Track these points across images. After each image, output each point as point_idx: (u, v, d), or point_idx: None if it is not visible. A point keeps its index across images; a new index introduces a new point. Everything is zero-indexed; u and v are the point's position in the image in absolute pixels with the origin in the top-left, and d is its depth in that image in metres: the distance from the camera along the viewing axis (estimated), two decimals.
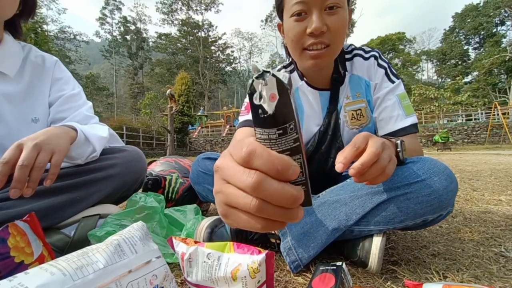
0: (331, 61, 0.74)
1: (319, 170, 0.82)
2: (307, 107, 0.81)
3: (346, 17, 0.66)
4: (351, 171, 0.44)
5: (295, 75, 0.82)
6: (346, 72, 0.78)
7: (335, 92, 0.78)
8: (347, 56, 0.79)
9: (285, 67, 0.85)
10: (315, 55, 0.66)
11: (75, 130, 0.64)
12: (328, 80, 0.78)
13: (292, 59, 0.81)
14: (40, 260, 0.49)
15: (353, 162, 0.45)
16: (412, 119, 0.72)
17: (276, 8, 0.74)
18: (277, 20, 0.78)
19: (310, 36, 0.64)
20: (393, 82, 0.75)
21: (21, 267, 0.46)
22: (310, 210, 0.67)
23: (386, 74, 0.76)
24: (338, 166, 0.43)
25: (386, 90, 0.74)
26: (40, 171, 0.51)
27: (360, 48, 0.80)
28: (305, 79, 0.80)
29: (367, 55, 0.78)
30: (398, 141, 0.53)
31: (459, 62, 32.96)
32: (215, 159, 0.80)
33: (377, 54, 0.78)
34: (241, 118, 0.84)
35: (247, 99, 0.85)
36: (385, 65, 0.77)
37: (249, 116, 0.80)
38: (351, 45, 0.81)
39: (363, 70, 0.78)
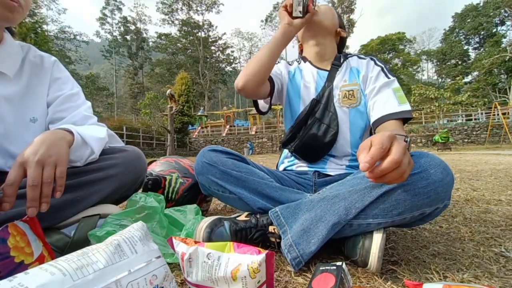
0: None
1: (312, 134, 0.91)
2: (305, 80, 0.98)
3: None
4: (369, 175, 0.47)
5: (301, 62, 1.04)
6: (345, 63, 0.96)
7: (333, 73, 0.95)
8: (347, 56, 0.99)
9: (297, 61, 1.07)
10: None
11: (72, 133, 0.63)
12: (328, 65, 0.98)
13: (299, 54, 1.11)
14: (40, 260, 0.50)
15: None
16: (405, 106, 0.79)
17: None
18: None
19: None
20: (388, 77, 0.85)
21: (21, 267, 0.46)
22: (309, 206, 0.67)
23: (383, 71, 0.88)
24: (364, 166, 0.46)
25: (382, 83, 0.84)
26: (50, 186, 0.52)
27: (357, 54, 0.99)
28: (309, 60, 1.01)
29: (364, 57, 0.96)
30: (407, 139, 0.55)
31: (459, 62, 32.94)
32: (220, 151, 0.83)
33: (374, 58, 0.93)
34: None
35: None
36: (382, 65, 0.90)
37: None
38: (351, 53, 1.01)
39: (358, 64, 0.94)
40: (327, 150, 0.92)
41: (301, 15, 0.80)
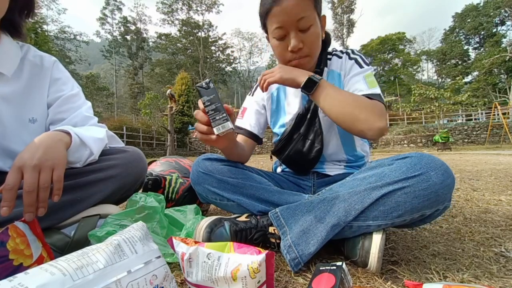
0: (311, 65, 0.83)
1: (297, 150, 0.89)
2: (289, 97, 0.93)
3: (318, 30, 0.77)
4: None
5: None
6: (326, 68, 0.88)
7: None
8: (328, 56, 0.91)
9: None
10: (296, 64, 0.79)
11: (69, 134, 0.63)
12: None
13: None
14: (39, 262, 0.49)
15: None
16: (374, 90, 0.76)
17: (261, 26, 0.83)
18: (262, 30, 0.85)
19: (291, 52, 0.77)
20: (362, 67, 0.81)
21: (19, 269, 0.46)
22: (309, 208, 0.67)
23: (357, 62, 0.83)
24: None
25: (354, 73, 0.81)
26: (46, 191, 0.53)
27: (339, 51, 0.91)
28: None
29: (341, 54, 0.88)
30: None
31: (459, 62, 32.92)
32: (215, 159, 0.82)
33: (349, 51, 0.87)
34: (237, 122, 0.94)
35: (244, 104, 0.98)
36: (356, 56, 0.85)
37: (243, 123, 0.94)
38: (334, 49, 0.93)
39: (337, 65, 0.88)
40: (313, 165, 0.91)
41: (231, 128, 0.58)
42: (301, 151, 0.88)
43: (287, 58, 0.78)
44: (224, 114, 0.59)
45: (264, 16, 0.77)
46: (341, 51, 0.90)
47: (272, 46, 0.82)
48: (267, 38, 0.84)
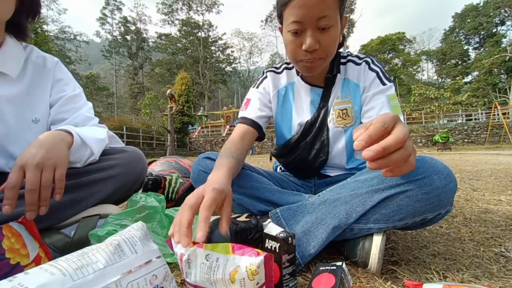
0: (322, 68, 0.78)
1: (301, 158, 0.88)
2: (298, 100, 0.88)
3: (338, 32, 0.71)
4: (367, 153, 0.39)
5: (293, 71, 0.90)
6: (339, 74, 0.84)
7: (327, 90, 0.84)
8: (342, 60, 0.85)
9: (287, 63, 0.92)
10: (308, 67, 0.74)
11: (71, 134, 0.63)
12: (321, 78, 0.84)
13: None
14: (37, 261, 0.49)
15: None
16: None
17: (277, 15, 0.77)
18: (277, 20, 0.80)
19: (304, 51, 0.71)
20: (384, 84, 0.77)
21: (17, 268, 0.46)
22: (310, 209, 0.67)
23: (378, 76, 0.79)
24: (358, 144, 0.39)
25: (376, 90, 0.77)
26: (48, 189, 0.52)
27: (355, 56, 0.85)
28: (300, 74, 0.87)
29: (359, 61, 0.83)
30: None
31: (459, 62, 32.92)
32: (215, 160, 0.81)
33: (369, 60, 0.82)
34: (241, 114, 0.89)
35: (248, 96, 0.92)
36: (377, 69, 0.80)
37: (247, 113, 0.86)
38: (348, 52, 0.87)
39: (354, 73, 0.82)
40: (315, 173, 0.90)
41: None
42: (306, 159, 0.87)
43: (299, 56, 0.73)
44: (296, 281, 0.52)
45: (282, 6, 0.70)
46: (358, 57, 0.84)
47: (285, 40, 0.75)
48: (280, 30, 0.77)
